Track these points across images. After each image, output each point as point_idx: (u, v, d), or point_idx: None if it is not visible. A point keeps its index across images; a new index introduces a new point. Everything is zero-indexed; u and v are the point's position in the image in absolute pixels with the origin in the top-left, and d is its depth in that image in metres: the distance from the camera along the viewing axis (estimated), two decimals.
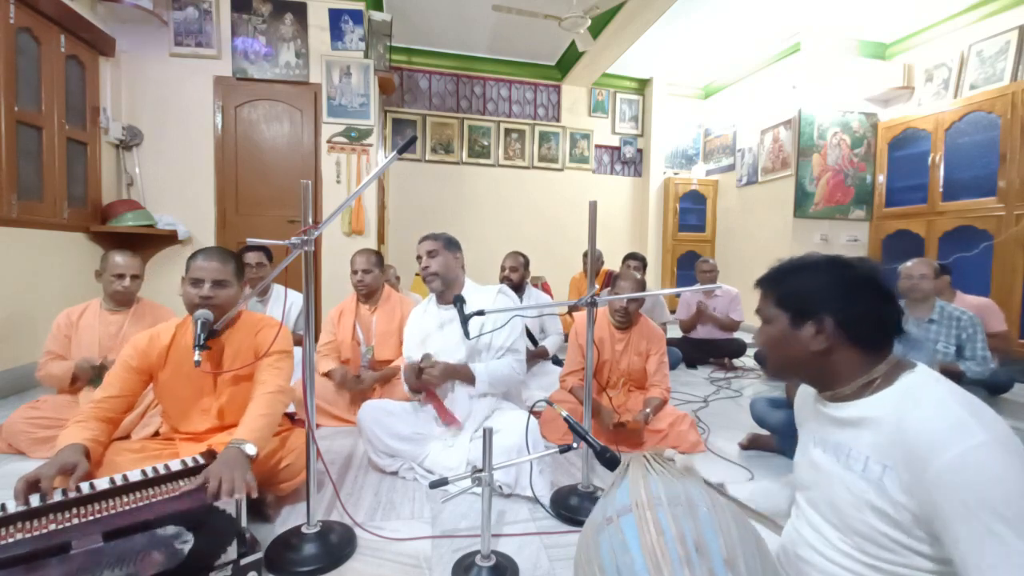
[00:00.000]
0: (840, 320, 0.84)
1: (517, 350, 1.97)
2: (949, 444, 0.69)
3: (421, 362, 1.87)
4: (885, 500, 0.76)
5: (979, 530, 0.66)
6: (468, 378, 1.88)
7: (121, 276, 2.16)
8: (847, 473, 0.82)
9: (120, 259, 2.18)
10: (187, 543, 1.11)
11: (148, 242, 3.71)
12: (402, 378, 1.98)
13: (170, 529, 1.09)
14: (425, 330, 2.03)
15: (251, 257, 2.88)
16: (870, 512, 0.78)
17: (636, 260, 3.96)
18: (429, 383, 1.86)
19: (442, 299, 1.99)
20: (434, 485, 1.29)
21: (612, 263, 5.51)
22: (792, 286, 0.89)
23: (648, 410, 2.17)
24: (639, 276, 2.64)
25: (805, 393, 1.01)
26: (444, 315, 1.98)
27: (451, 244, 1.98)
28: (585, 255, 4.37)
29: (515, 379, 1.96)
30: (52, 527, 1.03)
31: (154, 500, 1.13)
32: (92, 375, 2.07)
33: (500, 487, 1.70)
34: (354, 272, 2.61)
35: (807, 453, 0.93)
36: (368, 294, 2.66)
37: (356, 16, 4.01)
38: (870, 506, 0.78)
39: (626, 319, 2.33)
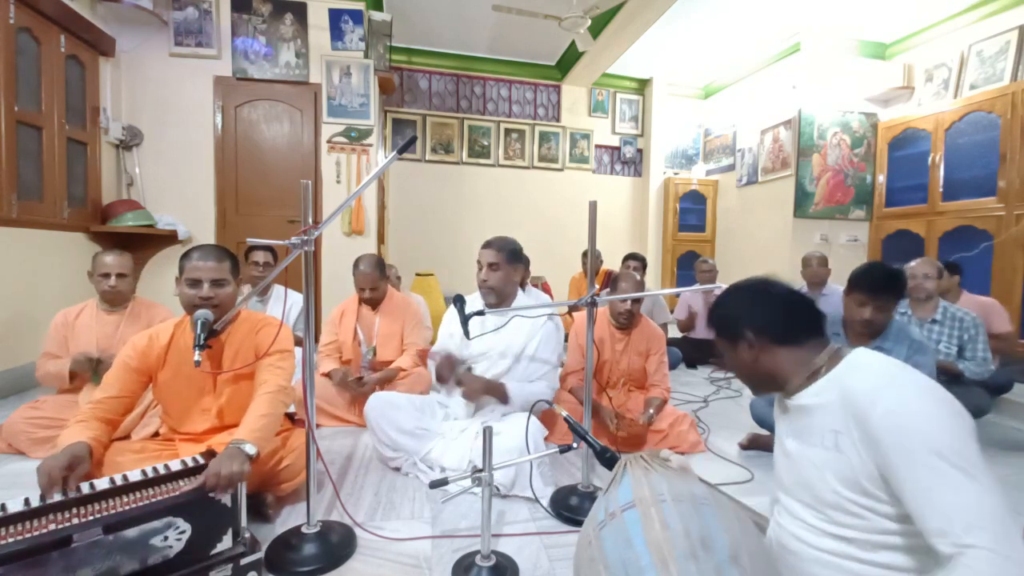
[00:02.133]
0: (756, 329, 0.98)
1: (555, 366, 2.01)
2: (883, 395, 0.80)
3: (460, 369, 1.88)
4: (844, 463, 0.84)
5: (918, 465, 0.74)
6: (502, 397, 1.90)
7: (107, 275, 2.14)
8: (810, 449, 0.91)
9: (106, 259, 2.16)
10: (184, 533, 1.11)
11: (148, 242, 3.72)
12: (430, 366, 2.00)
13: (166, 520, 1.09)
14: (461, 338, 2.01)
15: (258, 256, 2.88)
16: (834, 479, 0.85)
17: (636, 260, 3.96)
18: (465, 392, 1.87)
19: (490, 306, 1.97)
20: (434, 485, 1.29)
21: (612, 263, 5.51)
22: (718, 321, 1.05)
23: (651, 411, 2.18)
24: (638, 277, 2.64)
25: (778, 398, 1.07)
26: (489, 320, 1.98)
27: (514, 257, 1.96)
28: (585, 255, 4.38)
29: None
30: (52, 527, 1.03)
31: (154, 500, 1.13)
32: (89, 368, 2.05)
33: (498, 488, 1.70)
34: (360, 289, 2.60)
35: (781, 446, 1.02)
36: (373, 303, 2.66)
37: (356, 16, 4.01)
38: (833, 473, 0.85)
39: (629, 320, 2.33)
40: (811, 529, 0.90)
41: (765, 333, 0.97)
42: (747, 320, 0.99)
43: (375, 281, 2.59)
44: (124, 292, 2.19)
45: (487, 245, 1.95)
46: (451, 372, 1.88)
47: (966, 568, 0.67)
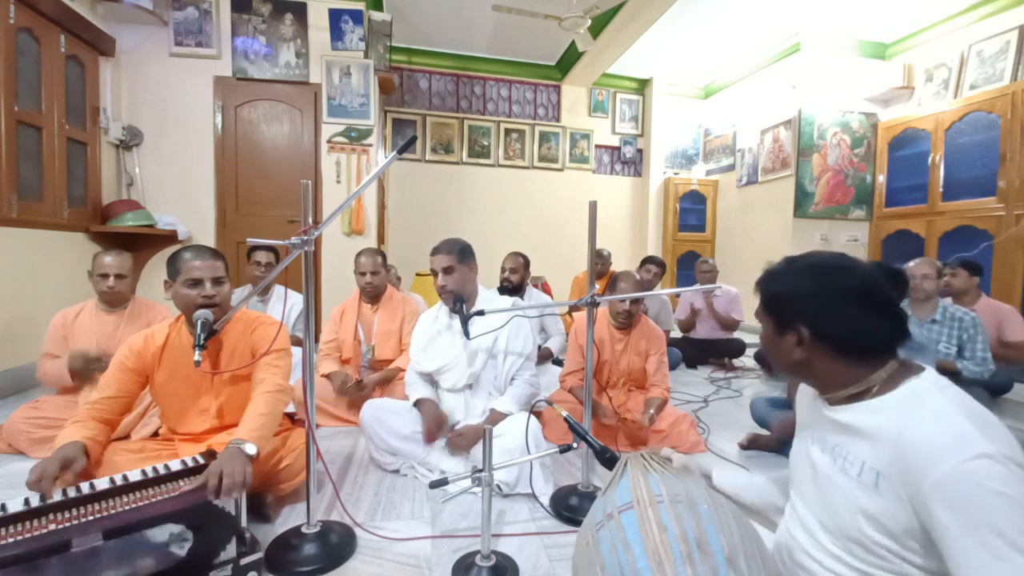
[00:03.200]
0: (818, 333, 0.81)
1: (529, 356, 1.99)
2: (948, 455, 0.67)
3: (447, 427, 1.88)
4: (879, 508, 0.75)
5: (974, 542, 0.64)
6: (499, 420, 1.87)
7: (105, 276, 2.13)
8: (843, 477, 0.81)
9: (105, 259, 2.15)
10: (186, 542, 1.11)
11: (148, 242, 3.72)
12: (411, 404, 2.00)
13: (169, 528, 1.09)
14: (430, 336, 2.03)
15: (260, 256, 2.89)
16: (863, 519, 0.77)
17: (654, 265, 3.87)
18: (457, 448, 1.86)
19: (454, 309, 1.97)
20: (434, 485, 1.28)
21: (618, 264, 5.50)
22: (774, 292, 0.87)
23: (652, 411, 2.17)
24: (640, 277, 2.63)
25: (806, 389, 0.99)
26: (455, 323, 1.97)
27: (465, 255, 1.93)
28: (599, 254, 4.32)
29: (535, 393, 1.97)
30: (52, 527, 1.03)
31: (154, 500, 1.13)
32: (86, 365, 2.04)
33: (499, 486, 1.70)
34: (362, 274, 2.60)
35: (805, 450, 0.92)
36: (375, 296, 2.66)
37: (356, 16, 4.01)
38: (863, 513, 0.77)
39: (628, 320, 2.33)
40: (827, 553, 0.83)
41: (826, 339, 0.81)
42: (811, 317, 0.81)
43: (376, 265, 2.61)
44: (122, 293, 2.18)
45: (435, 251, 1.91)
46: (439, 432, 1.87)
47: None
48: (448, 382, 1.98)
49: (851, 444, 0.81)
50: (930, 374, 0.79)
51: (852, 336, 0.80)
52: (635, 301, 2.29)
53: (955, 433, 0.68)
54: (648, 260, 3.94)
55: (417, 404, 1.95)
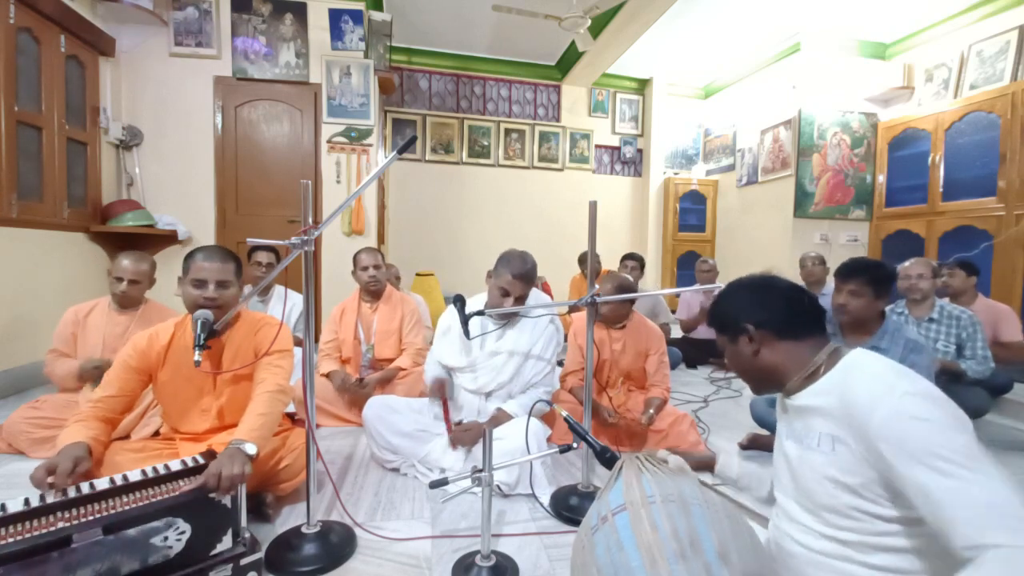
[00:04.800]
0: (758, 322, 0.98)
1: (553, 366, 2.02)
2: (880, 401, 0.79)
3: (457, 426, 1.88)
4: (841, 469, 0.84)
5: (922, 469, 0.73)
6: (505, 418, 1.89)
7: (119, 279, 2.15)
8: (808, 453, 0.90)
9: (123, 262, 2.17)
10: (183, 534, 1.11)
11: (148, 242, 3.71)
12: (427, 385, 2.01)
13: (166, 520, 1.09)
14: (458, 332, 1.99)
15: (261, 256, 2.89)
16: (831, 484, 0.85)
17: (633, 260, 3.96)
18: (460, 443, 1.87)
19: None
20: (434, 485, 1.29)
21: (611, 264, 5.51)
22: (720, 315, 1.06)
23: (651, 411, 2.17)
24: (633, 276, 2.63)
25: (779, 397, 1.07)
26: (489, 325, 1.98)
27: (532, 282, 1.92)
28: (581, 257, 4.37)
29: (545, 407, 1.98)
30: (52, 527, 1.03)
31: (154, 500, 1.13)
32: (95, 377, 2.06)
33: (500, 487, 1.70)
34: (364, 269, 2.60)
35: (780, 448, 1.01)
36: (377, 292, 2.66)
37: (356, 16, 4.01)
38: (830, 478, 0.85)
39: (613, 318, 2.32)
40: (808, 531, 0.91)
41: (766, 326, 0.97)
42: (748, 314, 0.99)
43: (378, 260, 2.62)
44: (134, 297, 2.20)
45: (516, 277, 1.87)
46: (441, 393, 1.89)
47: (988, 569, 0.65)
48: (469, 384, 1.99)
49: (811, 422, 0.91)
50: (859, 350, 0.93)
51: (783, 315, 0.97)
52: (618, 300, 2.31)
53: (882, 383, 0.82)
54: (628, 257, 4.00)
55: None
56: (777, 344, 0.97)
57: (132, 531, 1.05)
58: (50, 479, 1.16)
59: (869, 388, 0.82)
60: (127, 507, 1.10)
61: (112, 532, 1.03)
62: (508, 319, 1.98)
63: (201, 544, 1.15)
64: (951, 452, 0.72)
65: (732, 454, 1.27)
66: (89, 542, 1.00)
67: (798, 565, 0.92)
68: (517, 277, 1.86)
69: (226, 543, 1.18)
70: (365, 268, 2.59)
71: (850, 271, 1.90)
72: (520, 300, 1.88)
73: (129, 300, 2.20)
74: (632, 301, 2.38)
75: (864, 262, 1.93)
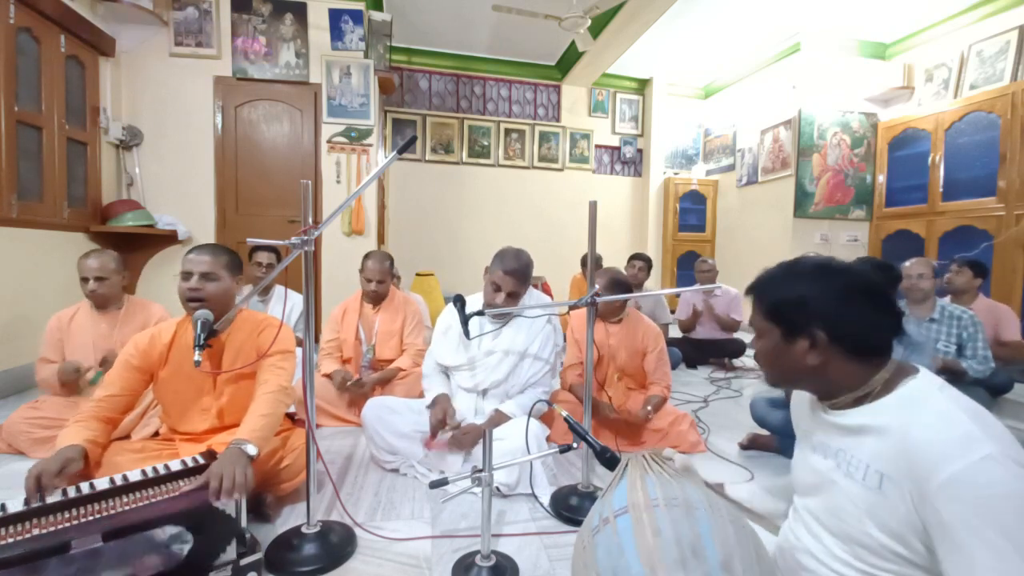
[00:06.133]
0: (834, 334, 0.80)
1: (553, 368, 2.01)
2: (955, 457, 0.67)
3: (452, 427, 1.85)
4: (883, 509, 0.75)
5: (979, 544, 0.64)
6: (503, 420, 1.87)
7: (85, 280, 2.10)
8: (848, 481, 0.81)
9: (86, 262, 2.10)
10: (186, 543, 1.11)
11: (148, 242, 3.72)
12: (425, 389, 2.00)
13: (169, 529, 1.09)
14: (457, 330, 1.98)
15: (262, 257, 2.89)
16: (870, 522, 0.76)
17: (640, 260, 3.92)
18: (460, 446, 1.85)
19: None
20: (434, 485, 1.28)
21: (614, 264, 5.49)
22: (781, 297, 0.85)
23: (649, 407, 2.17)
24: (640, 276, 2.62)
25: (801, 397, 0.99)
26: (487, 322, 1.98)
27: (529, 279, 1.92)
28: (584, 259, 4.36)
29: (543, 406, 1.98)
30: (52, 528, 1.02)
31: (154, 500, 1.13)
32: (76, 377, 2.02)
33: (499, 488, 1.70)
34: (368, 280, 2.60)
35: (806, 459, 0.92)
36: (377, 300, 2.66)
37: (356, 16, 4.01)
38: (869, 515, 0.77)
39: (608, 311, 2.33)
40: (833, 557, 0.83)
41: (843, 341, 0.80)
42: (826, 319, 0.80)
43: (384, 274, 2.60)
44: (107, 295, 2.13)
45: (509, 272, 1.85)
46: (443, 428, 1.85)
47: None
48: (465, 383, 1.99)
49: (855, 447, 0.80)
50: (926, 374, 0.80)
51: (864, 334, 0.80)
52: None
53: (960, 434, 0.69)
54: (635, 257, 3.98)
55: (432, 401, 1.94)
56: (844, 362, 0.81)
57: (133, 539, 1.04)
58: (42, 479, 1.15)
59: (941, 437, 0.70)
60: (127, 507, 1.10)
61: (111, 539, 1.02)
62: (505, 318, 1.98)
63: (205, 553, 1.14)
64: (1018, 532, 0.63)
65: (738, 483, 1.21)
66: (88, 549, 0.99)
67: None
68: (508, 273, 1.85)
69: (230, 553, 1.18)
70: (369, 280, 2.59)
71: None
72: (513, 296, 1.88)
73: (103, 299, 2.13)
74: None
75: (880, 266, 1.85)
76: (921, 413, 0.74)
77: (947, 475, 0.66)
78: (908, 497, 0.72)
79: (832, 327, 0.80)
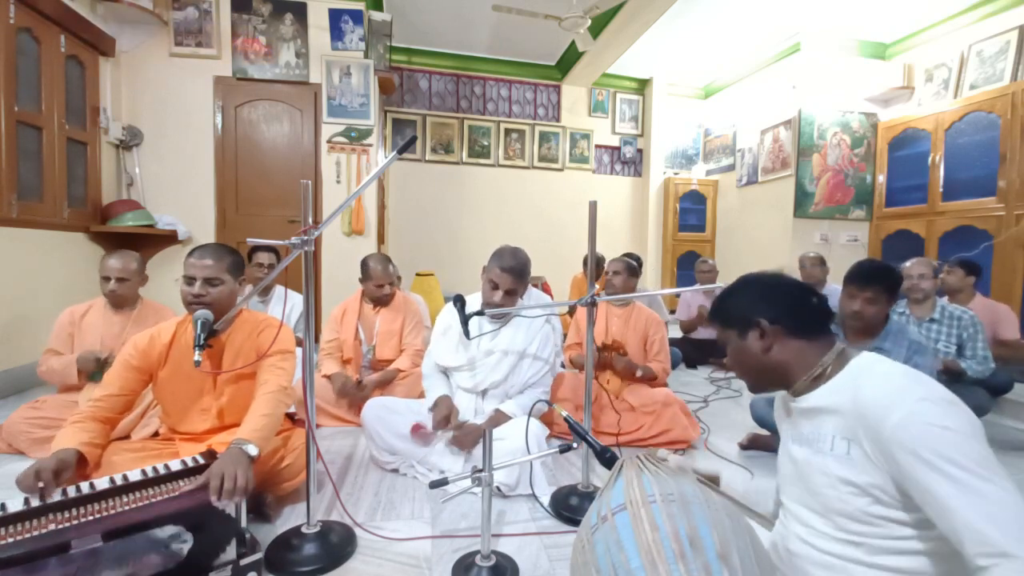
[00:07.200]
0: (772, 317, 0.95)
1: (552, 368, 2.02)
2: (896, 406, 0.78)
3: (454, 427, 1.85)
4: (854, 472, 0.83)
5: (936, 476, 0.72)
6: (503, 419, 1.88)
7: (107, 279, 2.13)
8: (818, 457, 0.89)
9: (109, 261, 2.15)
10: (186, 543, 1.11)
11: (148, 242, 3.71)
12: (425, 390, 2.01)
13: (169, 529, 1.09)
14: (457, 331, 1.97)
15: (262, 257, 2.89)
16: (844, 488, 0.84)
17: (619, 263, 3.91)
18: (460, 446, 1.85)
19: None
20: (434, 485, 1.28)
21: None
22: (729, 308, 1.03)
23: (640, 370, 2.36)
24: (617, 280, 2.74)
25: (778, 400, 1.06)
26: (487, 322, 1.98)
27: (526, 276, 1.92)
28: (586, 259, 4.36)
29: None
30: (52, 527, 1.02)
31: (154, 500, 1.13)
32: (95, 368, 2.05)
33: (499, 488, 1.70)
34: (379, 286, 2.60)
35: (786, 451, 1.00)
36: (387, 302, 2.66)
37: (356, 16, 4.01)
38: (843, 481, 0.84)
39: (623, 289, 2.57)
40: (818, 534, 0.89)
41: (780, 322, 0.95)
42: (761, 308, 0.97)
43: (390, 277, 2.62)
44: (125, 296, 2.18)
45: (504, 271, 1.85)
46: (444, 428, 1.84)
47: None
48: (465, 383, 1.98)
49: (820, 425, 0.90)
50: (867, 353, 0.92)
51: (795, 311, 0.96)
52: (616, 272, 2.62)
53: (897, 387, 0.81)
54: (626, 256, 3.96)
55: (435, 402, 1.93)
56: (788, 342, 0.95)
57: (133, 539, 1.04)
58: (40, 484, 1.15)
59: (883, 391, 0.81)
60: (127, 507, 1.10)
61: (111, 539, 1.02)
62: (505, 318, 1.98)
63: (205, 553, 1.14)
64: (966, 460, 0.71)
65: (735, 472, 1.25)
66: (88, 548, 0.99)
67: (805, 566, 0.91)
68: (506, 270, 1.85)
69: (230, 553, 1.18)
70: (380, 285, 2.59)
71: (868, 278, 1.81)
72: (511, 294, 1.88)
73: (120, 299, 2.18)
74: (635, 279, 2.67)
75: (879, 269, 1.85)
76: (866, 379, 0.86)
77: (892, 423, 0.77)
78: (872, 455, 0.81)
79: (769, 312, 0.96)
